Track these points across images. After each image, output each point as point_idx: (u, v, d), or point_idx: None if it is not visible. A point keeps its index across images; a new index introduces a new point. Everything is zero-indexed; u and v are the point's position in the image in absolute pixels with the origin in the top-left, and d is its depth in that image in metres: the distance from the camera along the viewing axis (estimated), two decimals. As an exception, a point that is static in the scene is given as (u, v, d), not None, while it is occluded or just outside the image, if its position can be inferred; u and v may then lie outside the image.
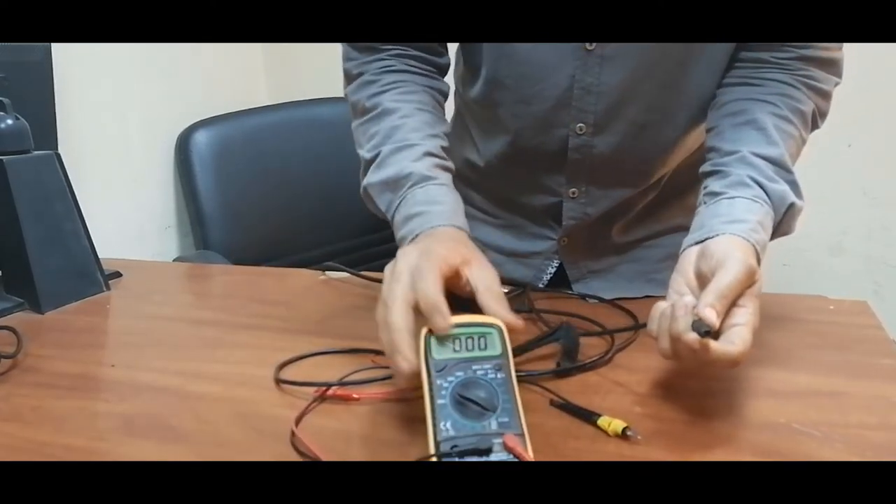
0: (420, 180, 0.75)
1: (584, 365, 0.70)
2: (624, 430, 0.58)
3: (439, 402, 0.54)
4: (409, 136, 0.78)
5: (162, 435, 0.63)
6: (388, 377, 0.67)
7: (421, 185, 0.75)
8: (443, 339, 0.56)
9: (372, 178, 0.79)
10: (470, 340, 0.57)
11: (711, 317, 0.58)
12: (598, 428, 0.60)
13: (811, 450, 0.58)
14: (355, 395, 0.66)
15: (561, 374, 0.69)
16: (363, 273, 1.02)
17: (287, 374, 0.72)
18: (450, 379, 0.55)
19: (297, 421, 0.63)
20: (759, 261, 0.66)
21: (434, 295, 0.58)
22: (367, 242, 1.67)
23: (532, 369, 0.69)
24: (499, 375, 0.55)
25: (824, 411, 0.63)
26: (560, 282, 0.94)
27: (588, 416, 0.61)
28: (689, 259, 0.66)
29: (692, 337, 0.57)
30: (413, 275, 0.60)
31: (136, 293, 1.00)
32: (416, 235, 0.71)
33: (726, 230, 0.66)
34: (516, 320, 0.60)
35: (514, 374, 0.56)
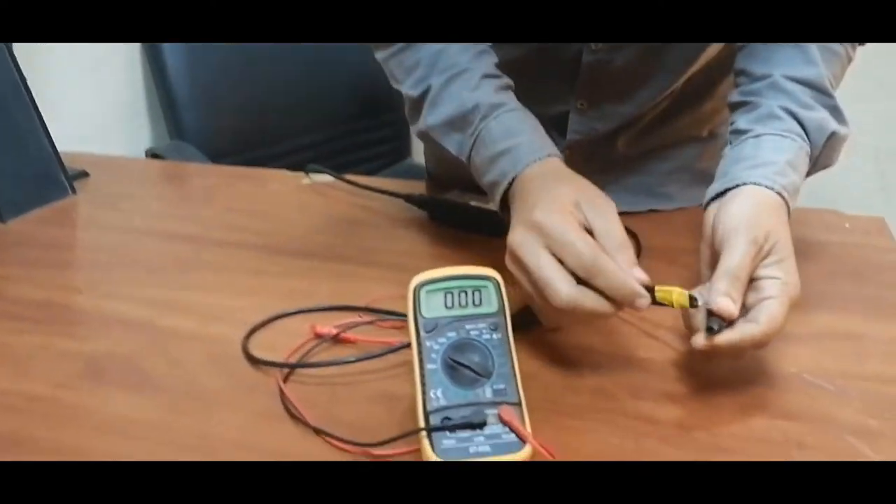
0: (489, 111, 0.66)
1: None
2: (691, 299, 0.54)
3: (429, 366, 0.49)
4: (457, 61, 0.68)
5: (131, 381, 0.59)
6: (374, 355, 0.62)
7: (494, 117, 0.66)
8: (433, 294, 0.51)
9: (430, 119, 0.70)
10: (463, 295, 0.51)
11: (727, 307, 0.52)
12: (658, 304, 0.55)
13: (825, 408, 0.54)
14: (351, 338, 0.62)
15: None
16: (348, 178, 0.95)
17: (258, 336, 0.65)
18: (441, 340, 0.50)
19: (285, 377, 0.58)
20: (789, 208, 0.60)
21: (621, 278, 0.53)
22: (355, 129, 1.58)
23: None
24: (494, 336, 0.50)
25: (839, 358, 0.59)
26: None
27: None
28: (708, 222, 0.60)
29: (698, 342, 0.52)
30: (563, 245, 0.55)
31: (104, 198, 0.93)
32: (512, 181, 0.64)
33: (749, 178, 0.60)
34: (641, 297, 0.54)
35: (511, 334, 0.51)
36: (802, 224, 0.65)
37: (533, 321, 0.59)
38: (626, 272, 0.53)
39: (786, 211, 0.60)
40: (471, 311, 0.51)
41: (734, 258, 0.53)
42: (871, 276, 0.72)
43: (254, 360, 0.60)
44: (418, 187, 0.92)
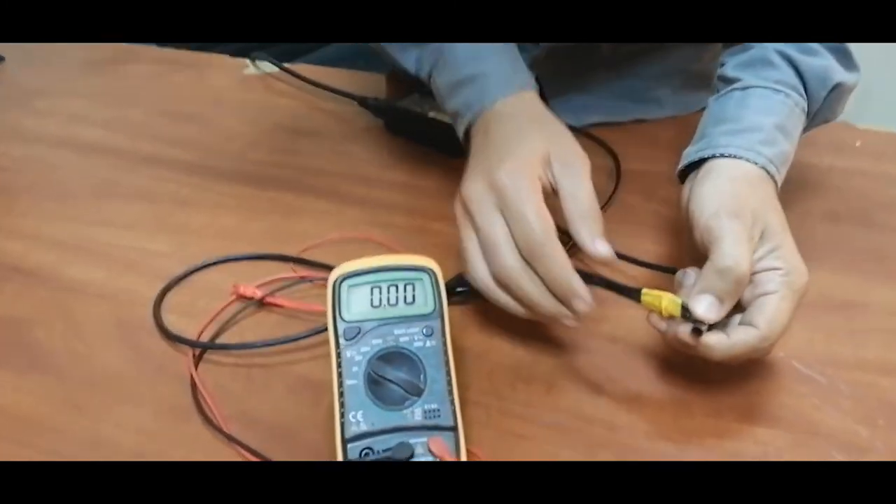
0: None
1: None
2: (683, 309, 0.44)
3: (349, 382, 0.41)
4: None
5: (24, 358, 0.51)
6: (295, 338, 0.54)
7: None
8: (357, 290, 0.43)
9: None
10: (393, 290, 0.43)
11: (703, 310, 0.43)
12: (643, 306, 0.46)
13: (810, 412, 0.47)
14: (278, 302, 0.54)
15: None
16: (298, 70, 0.84)
17: (174, 294, 0.57)
18: (363, 349, 0.42)
19: (198, 357, 0.51)
20: (776, 183, 0.50)
21: (562, 269, 0.45)
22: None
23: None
24: (428, 343, 0.42)
25: (834, 338, 0.52)
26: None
27: (629, 293, 0.47)
28: (683, 199, 0.51)
29: (682, 335, 0.44)
30: (517, 217, 0.46)
31: (18, 95, 0.82)
32: (476, 117, 0.55)
33: (727, 148, 0.49)
34: (578, 298, 0.45)
35: (448, 339, 0.43)
36: (804, 142, 0.56)
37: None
38: (571, 271, 0.45)
39: (773, 186, 0.50)
40: (401, 310, 0.43)
41: (725, 261, 0.43)
42: (879, 219, 0.63)
43: (166, 333, 0.52)
44: (378, 83, 0.81)
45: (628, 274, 0.56)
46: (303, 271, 0.57)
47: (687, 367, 0.48)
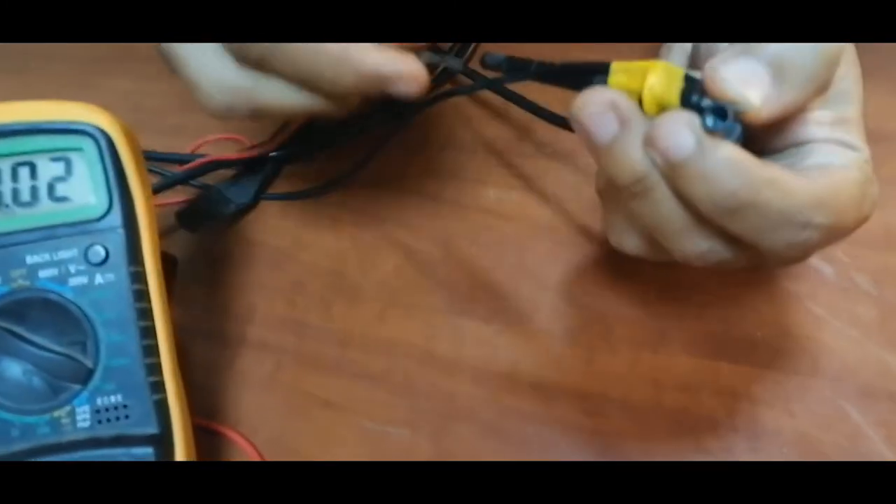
0: None
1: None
2: (688, 83, 0.20)
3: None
4: None
5: None
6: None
7: None
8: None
9: None
10: (24, 174, 0.21)
11: (739, 80, 0.20)
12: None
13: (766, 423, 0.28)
14: None
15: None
16: None
17: None
18: (-36, 297, 0.21)
19: None
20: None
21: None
22: None
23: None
24: (100, 278, 0.21)
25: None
26: None
27: (588, 73, 0.21)
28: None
29: (677, 132, 0.19)
30: None
31: None
32: None
33: None
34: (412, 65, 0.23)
35: (150, 263, 0.22)
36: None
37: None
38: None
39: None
40: (42, 214, 0.21)
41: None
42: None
43: None
44: None
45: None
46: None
47: (627, 342, 0.29)
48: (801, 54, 0.20)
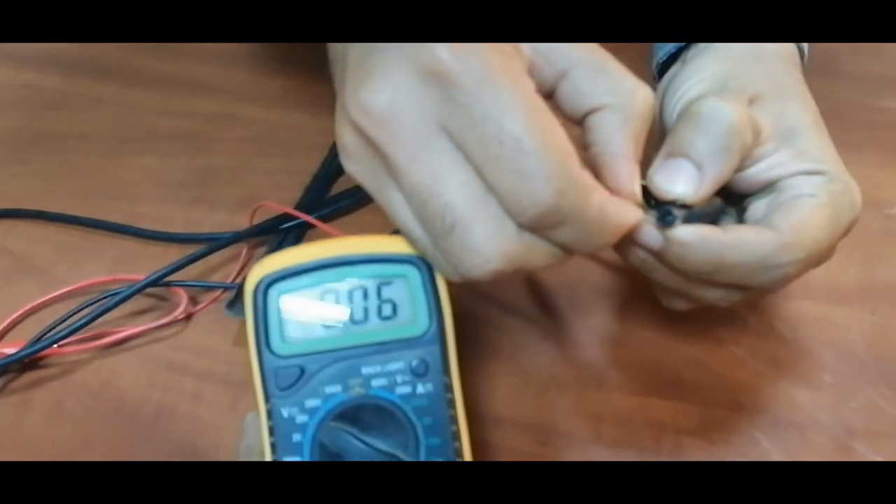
0: None
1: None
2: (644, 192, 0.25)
3: (287, 458, 0.24)
4: None
5: None
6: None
7: None
8: (296, 299, 0.25)
9: None
10: (358, 298, 0.25)
11: (667, 181, 0.26)
12: None
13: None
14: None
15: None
16: None
17: None
18: (311, 404, 0.25)
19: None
20: (803, 54, 0.32)
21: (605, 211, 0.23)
22: None
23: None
24: (421, 387, 0.25)
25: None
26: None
27: None
28: (658, 96, 0.32)
29: (646, 236, 0.25)
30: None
31: None
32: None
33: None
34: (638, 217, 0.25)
35: (455, 376, 0.25)
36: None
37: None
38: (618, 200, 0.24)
39: (796, 64, 0.32)
40: (374, 332, 0.25)
41: (708, 101, 0.26)
42: None
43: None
44: None
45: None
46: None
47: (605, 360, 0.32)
48: (709, 137, 0.26)
